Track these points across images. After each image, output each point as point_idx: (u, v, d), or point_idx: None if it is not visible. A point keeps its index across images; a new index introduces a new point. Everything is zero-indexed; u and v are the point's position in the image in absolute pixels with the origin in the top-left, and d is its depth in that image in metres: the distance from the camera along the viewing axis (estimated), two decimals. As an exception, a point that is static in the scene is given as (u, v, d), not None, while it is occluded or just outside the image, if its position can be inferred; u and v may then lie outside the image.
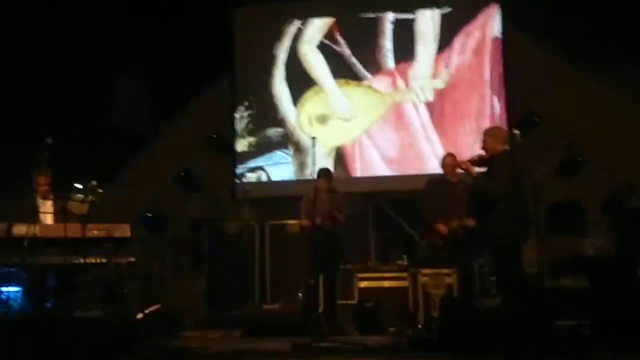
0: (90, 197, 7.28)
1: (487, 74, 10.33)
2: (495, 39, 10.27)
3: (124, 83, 11.47)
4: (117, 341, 6.54)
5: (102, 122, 10.90)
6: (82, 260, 7.16)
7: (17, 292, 7.14)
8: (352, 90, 10.62)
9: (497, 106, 10.23)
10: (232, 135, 11.00)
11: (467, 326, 6.59)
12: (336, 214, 8.50)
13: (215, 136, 11.13)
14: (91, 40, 10.47)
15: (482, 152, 7.00)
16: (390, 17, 10.59)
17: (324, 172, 8.62)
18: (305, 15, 11.03)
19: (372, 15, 10.62)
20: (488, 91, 10.28)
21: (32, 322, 6.47)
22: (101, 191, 7.32)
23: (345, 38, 10.67)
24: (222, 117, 11.25)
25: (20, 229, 6.91)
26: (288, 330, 7.84)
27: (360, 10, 10.74)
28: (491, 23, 10.30)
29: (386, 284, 8.49)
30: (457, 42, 10.44)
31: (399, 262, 8.89)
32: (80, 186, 7.25)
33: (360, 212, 10.26)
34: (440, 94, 10.43)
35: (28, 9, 9.97)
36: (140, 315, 7.45)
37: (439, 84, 10.38)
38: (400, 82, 10.47)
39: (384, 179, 10.49)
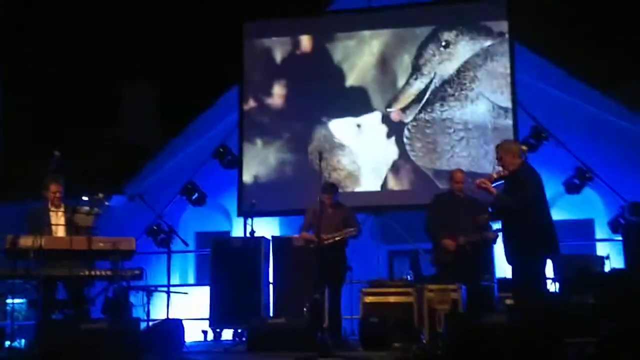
0: (96, 209, 7.28)
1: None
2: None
3: (132, 96, 11.51)
4: (122, 353, 6.53)
5: (109, 134, 10.94)
6: (87, 273, 7.16)
7: (21, 304, 7.14)
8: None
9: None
10: (240, 148, 10.99)
11: (473, 342, 6.54)
12: (348, 233, 8.39)
13: (221, 149, 11.14)
14: (101, 53, 10.52)
15: (500, 170, 6.96)
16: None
17: (329, 186, 8.59)
18: (313, 30, 11.09)
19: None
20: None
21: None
22: (107, 204, 7.32)
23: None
24: (230, 130, 11.26)
25: (26, 241, 6.91)
26: (293, 344, 7.78)
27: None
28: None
29: (391, 299, 8.43)
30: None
31: (405, 277, 8.84)
32: (86, 198, 7.25)
33: (366, 227, 10.25)
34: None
35: (37, 23, 10.04)
36: (145, 328, 7.44)
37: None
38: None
39: (391, 194, 10.47)
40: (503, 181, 6.95)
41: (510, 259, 6.89)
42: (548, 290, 6.92)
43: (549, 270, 8.24)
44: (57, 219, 7.53)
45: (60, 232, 7.48)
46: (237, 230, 10.96)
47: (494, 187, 6.92)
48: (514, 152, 6.92)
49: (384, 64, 10.78)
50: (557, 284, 8.37)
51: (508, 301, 8.34)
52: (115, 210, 10.49)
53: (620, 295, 7.35)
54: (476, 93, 10.36)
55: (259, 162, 10.95)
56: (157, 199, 10.64)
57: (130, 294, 7.62)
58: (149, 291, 7.85)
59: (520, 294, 7.01)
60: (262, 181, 10.90)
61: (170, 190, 11.32)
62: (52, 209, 7.59)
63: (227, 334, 9.99)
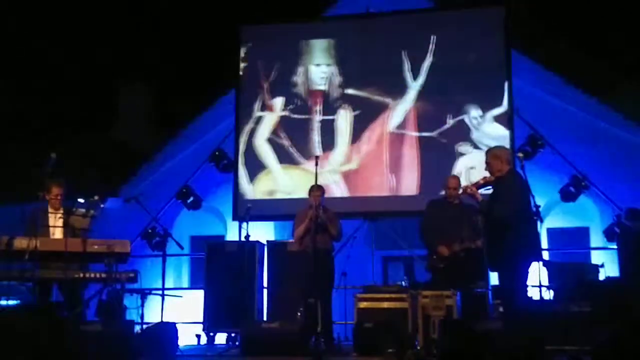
0: (92, 211, 7.28)
1: (385, 158, 10.58)
2: (391, 133, 10.63)
3: (129, 100, 11.51)
4: (116, 356, 6.52)
5: (106, 137, 10.94)
6: (82, 275, 7.15)
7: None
8: (292, 171, 10.87)
9: (394, 180, 10.46)
10: (235, 153, 10.98)
11: (466, 349, 6.54)
12: (329, 226, 8.50)
13: (217, 153, 11.14)
14: (99, 56, 10.53)
15: (487, 175, 6.98)
16: (318, 117, 10.90)
17: (316, 187, 8.63)
18: (309, 36, 11.09)
19: (305, 116, 10.93)
20: (386, 170, 10.54)
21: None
22: (103, 206, 7.32)
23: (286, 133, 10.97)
24: (226, 134, 11.26)
25: (21, 243, 6.90)
26: (286, 349, 7.79)
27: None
28: (388, 121, 10.64)
29: (386, 305, 8.42)
30: (365, 135, 10.68)
31: (399, 283, 8.83)
32: (82, 200, 7.25)
33: (361, 233, 10.25)
34: (355, 172, 10.65)
35: (36, 27, 10.04)
36: (138, 331, 7.43)
37: (353, 166, 10.70)
38: (325, 165, 10.62)
39: (384, 200, 10.46)
40: (489, 186, 7.01)
41: (493, 264, 6.95)
42: (529, 296, 6.95)
43: (544, 278, 8.28)
44: (55, 221, 7.51)
45: (57, 234, 7.47)
46: (232, 235, 10.94)
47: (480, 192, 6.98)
48: (502, 159, 6.92)
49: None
50: (552, 292, 8.36)
51: (502, 308, 8.35)
52: (110, 213, 10.48)
53: (615, 303, 7.36)
54: (472, 101, 10.35)
55: (254, 166, 10.93)
56: (152, 202, 10.64)
57: (125, 297, 7.61)
58: (143, 294, 7.85)
59: (504, 298, 7.07)
60: (257, 185, 10.89)
61: (165, 193, 11.31)
62: (51, 210, 7.59)
63: (221, 338, 9.98)
